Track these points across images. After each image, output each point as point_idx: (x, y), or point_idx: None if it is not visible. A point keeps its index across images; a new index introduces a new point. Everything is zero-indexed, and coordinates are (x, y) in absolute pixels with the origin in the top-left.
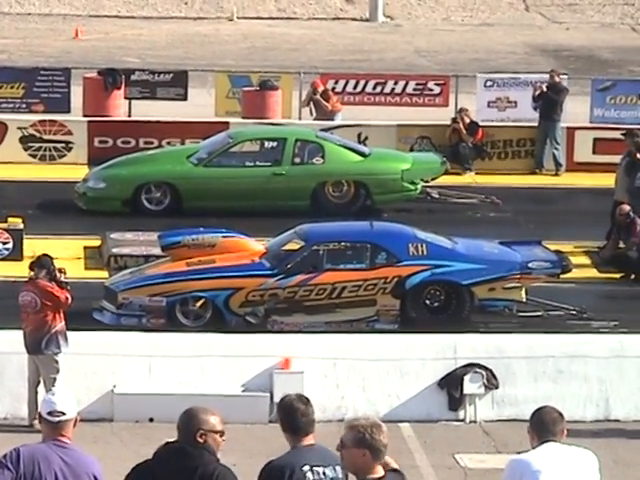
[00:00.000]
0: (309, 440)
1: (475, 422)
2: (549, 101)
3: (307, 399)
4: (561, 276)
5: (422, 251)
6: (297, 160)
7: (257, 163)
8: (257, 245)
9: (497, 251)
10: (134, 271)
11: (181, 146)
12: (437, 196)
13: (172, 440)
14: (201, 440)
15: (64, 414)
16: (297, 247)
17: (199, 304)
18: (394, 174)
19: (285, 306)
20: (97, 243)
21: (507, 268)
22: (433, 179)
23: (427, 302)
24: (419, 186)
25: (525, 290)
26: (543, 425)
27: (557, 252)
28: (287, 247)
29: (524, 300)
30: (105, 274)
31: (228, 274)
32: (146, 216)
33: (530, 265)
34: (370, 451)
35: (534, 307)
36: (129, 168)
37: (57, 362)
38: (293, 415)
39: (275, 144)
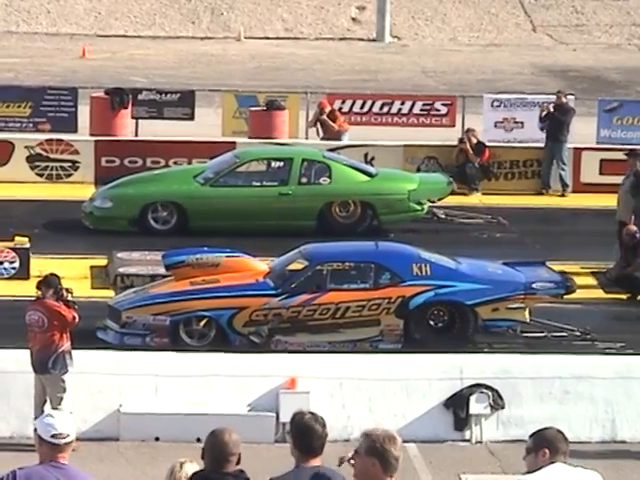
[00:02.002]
0: (316, 462)
1: (481, 442)
2: (556, 122)
3: (324, 421)
4: (566, 297)
5: (426, 271)
6: (304, 180)
7: (264, 183)
8: (261, 265)
9: (501, 271)
10: (138, 290)
11: (188, 166)
12: (443, 216)
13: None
14: (231, 463)
15: (68, 436)
16: (301, 267)
17: (202, 323)
18: (401, 194)
19: (289, 326)
20: (104, 262)
21: (511, 288)
22: (440, 199)
23: (431, 322)
24: (425, 206)
25: (529, 311)
26: (554, 443)
27: (561, 273)
28: (291, 267)
29: (528, 321)
30: (112, 293)
31: (232, 293)
32: (153, 235)
33: (534, 285)
34: (380, 461)
35: (538, 328)
36: (136, 187)
37: (64, 381)
38: (308, 436)
39: (282, 164)
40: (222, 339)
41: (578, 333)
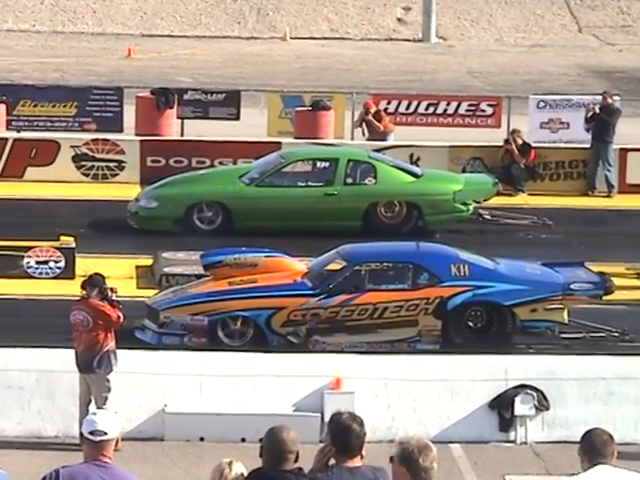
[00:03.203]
0: (355, 462)
1: (526, 443)
2: (602, 122)
3: (361, 420)
4: (610, 298)
5: (464, 272)
6: (349, 180)
7: (309, 183)
8: (299, 265)
9: (539, 272)
10: (176, 290)
11: (233, 166)
12: (489, 217)
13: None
14: (289, 461)
15: (106, 434)
16: (339, 267)
17: (240, 323)
18: (446, 195)
19: (327, 326)
20: (149, 262)
21: (549, 289)
22: (485, 200)
23: (469, 323)
24: (471, 207)
25: (567, 311)
26: (593, 447)
27: (600, 273)
28: (330, 267)
29: (566, 321)
30: None
31: (270, 294)
32: (198, 235)
33: (572, 286)
34: (408, 471)
35: (576, 329)
36: (181, 187)
37: (109, 381)
38: (347, 435)
39: (327, 164)
40: (260, 339)
41: (616, 334)
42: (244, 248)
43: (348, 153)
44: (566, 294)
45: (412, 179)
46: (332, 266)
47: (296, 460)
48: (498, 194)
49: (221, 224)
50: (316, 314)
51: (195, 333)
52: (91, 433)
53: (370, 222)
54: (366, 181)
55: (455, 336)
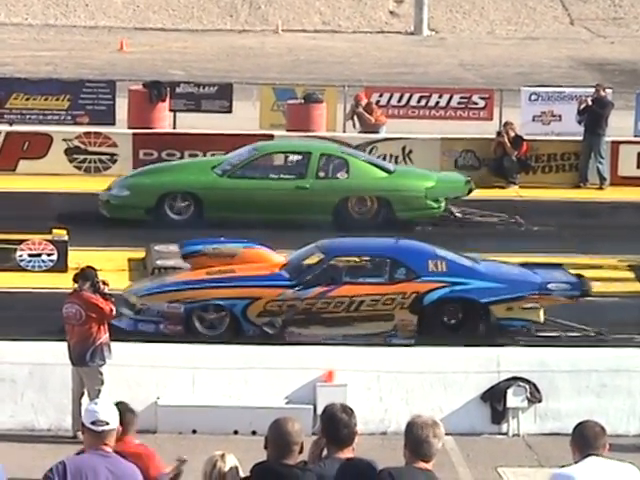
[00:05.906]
0: (347, 453)
1: (518, 436)
2: (594, 115)
3: (351, 410)
4: (602, 290)
5: (442, 268)
6: (321, 174)
7: (281, 176)
8: (278, 257)
9: (517, 271)
10: (154, 279)
11: (206, 157)
12: (460, 215)
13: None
14: (294, 453)
15: (108, 424)
16: (317, 260)
17: (216, 312)
18: (418, 192)
19: (303, 317)
20: (141, 255)
21: (526, 288)
22: (456, 198)
23: (445, 319)
24: (442, 204)
25: (544, 311)
26: (585, 439)
27: (578, 275)
28: (308, 261)
29: (542, 321)
30: None
31: (247, 283)
32: (192, 228)
33: (549, 286)
34: (408, 442)
35: (552, 327)
36: (153, 177)
37: (101, 374)
38: (335, 426)
39: (300, 158)
40: (236, 329)
41: (592, 333)
42: (222, 238)
43: (321, 147)
44: (543, 293)
45: (384, 175)
46: (311, 259)
47: (300, 451)
48: (470, 193)
49: (193, 214)
50: (292, 305)
51: (171, 321)
52: (93, 423)
53: (341, 216)
54: (338, 175)
55: (430, 331)
